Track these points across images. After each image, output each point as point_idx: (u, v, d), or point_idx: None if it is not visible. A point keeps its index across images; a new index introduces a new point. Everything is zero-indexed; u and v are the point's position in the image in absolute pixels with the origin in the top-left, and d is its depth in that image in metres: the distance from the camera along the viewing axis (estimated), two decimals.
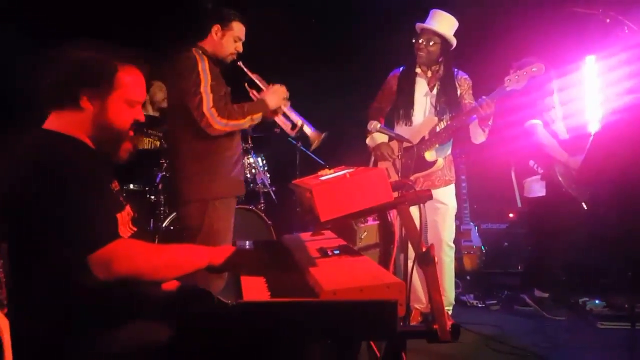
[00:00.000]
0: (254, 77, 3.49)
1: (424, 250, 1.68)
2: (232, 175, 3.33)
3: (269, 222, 4.67)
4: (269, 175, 5.09)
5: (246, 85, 3.52)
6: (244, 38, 3.42)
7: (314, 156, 5.29)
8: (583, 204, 4.31)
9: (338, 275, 1.71)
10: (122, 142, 1.84)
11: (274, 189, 5.14)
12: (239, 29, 3.38)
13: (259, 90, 3.46)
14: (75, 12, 4.51)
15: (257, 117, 3.29)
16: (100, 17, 4.46)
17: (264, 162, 5.12)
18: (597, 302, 4.38)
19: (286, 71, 3.56)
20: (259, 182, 4.98)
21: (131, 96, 1.80)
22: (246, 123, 3.26)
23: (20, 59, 4.27)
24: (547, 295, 4.35)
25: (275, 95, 3.36)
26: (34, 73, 1.81)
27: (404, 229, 2.34)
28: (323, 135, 3.43)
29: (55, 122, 1.76)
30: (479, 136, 3.76)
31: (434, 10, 3.81)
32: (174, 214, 4.54)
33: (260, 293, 1.70)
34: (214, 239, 3.17)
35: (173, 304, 1.92)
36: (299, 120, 3.43)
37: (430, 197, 1.87)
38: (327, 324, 1.52)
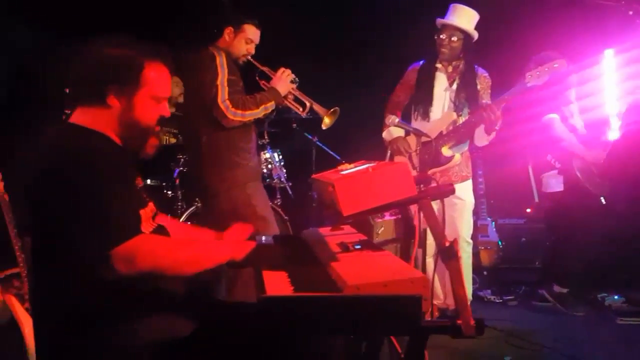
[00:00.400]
0: (264, 69, 3.57)
1: (447, 244, 1.67)
2: (251, 165, 3.39)
3: (286, 218, 4.67)
4: (285, 171, 5.09)
5: (257, 77, 3.61)
6: (257, 40, 3.48)
7: (329, 151, 5.29)
8: (601, 198, 4.27)
9: (361, 270, 1.71)
10: (148, 138, 1.84)
11: (290, 184, 5.14)
12: (251, 31, 3.45)
13: (269, 80, 3.52)
14: (83, 12, 4.53)
15: (270, 105, 3.37)
16: (110, 17, 4.47)
17: (280, 157, 5.12)
18: (616, 297, 4.33)
19: (300, 66, 3.58)
20: (275, 178, 4.98)
21: (157, 92, 1.79)
22: (260, 112, 3.33)
23: (36, 56, 4.32)
24: (565, 290, 4.32)
25: (282, 80, 3.44)
26: (57, 69, 1.81)
27: (421, 224, 2.34)
28: (332, 111, 3.47)
29: (82, 116, 1.76)
30: (482, 140, 3.73)
31: (453, 4, 3.76)
32: (192, 208, 4.56)
33: (283, 288, 1.69)
34: (258, 221, 3.22)
35: (195, 299, 1.92)
36: (308, 101, 3.51)
37: (453, 192, 1.86)
38: (351, 319, 1.51)
